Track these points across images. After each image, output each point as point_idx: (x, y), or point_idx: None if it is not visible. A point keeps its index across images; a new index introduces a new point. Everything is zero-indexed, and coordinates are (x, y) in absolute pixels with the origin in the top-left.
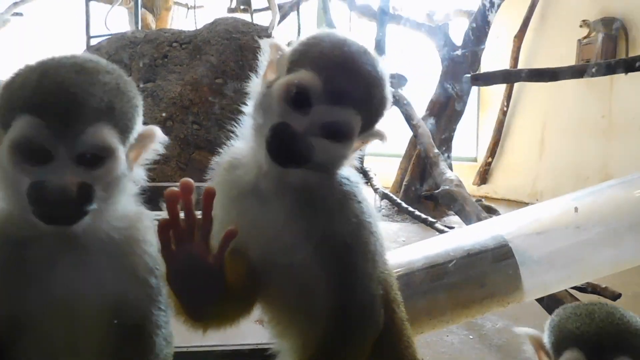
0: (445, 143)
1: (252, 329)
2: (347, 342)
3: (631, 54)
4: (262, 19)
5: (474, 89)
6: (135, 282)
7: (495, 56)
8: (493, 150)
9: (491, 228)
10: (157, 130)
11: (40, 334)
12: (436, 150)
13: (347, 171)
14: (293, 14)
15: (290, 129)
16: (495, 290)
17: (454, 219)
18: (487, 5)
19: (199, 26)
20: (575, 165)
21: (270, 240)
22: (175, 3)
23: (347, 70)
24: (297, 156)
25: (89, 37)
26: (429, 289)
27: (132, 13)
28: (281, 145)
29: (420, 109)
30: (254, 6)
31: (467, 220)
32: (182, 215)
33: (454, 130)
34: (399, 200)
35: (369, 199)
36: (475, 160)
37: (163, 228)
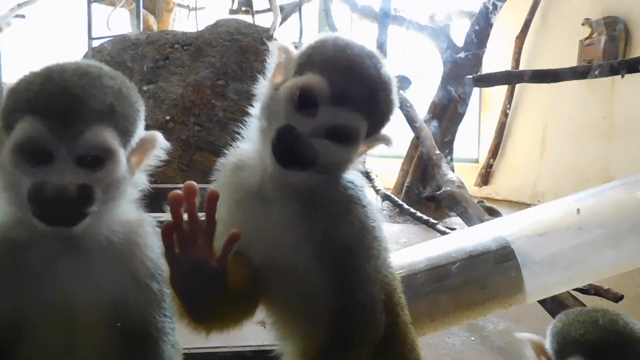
0: (447, 145)
1: (255, 331)
2: (349, 345)
3: (633, 55)
4: (263, 21)
5: (476, 90)
6: (135, 286)
7: (497, 57)
8: (495, 152)
9: (493, 229)
10: (159, 136)
11: (39, 336)
12: (438, 152)
13: (352, 175)
14: (295, 16)
15: (296, 131)
16: (497, 292)
17: (455, 220)
18: (489, 7)
19: (201, 28)
20: (577, 167)
21: (273, 243)
22: (177, 5)
23: (354, 74)
24: (303, 159)
25: (91, 39)
26: (430, 291)
27: (134, 15)
28: (287, 148)
29: (421, 111)
30: (255, 8)
31: (469, 221)
32: (185, 217)
33: (455, 132)
34: (400, 202)
35: (373, 203)
36: (476, 161)
37: (166, 231)
